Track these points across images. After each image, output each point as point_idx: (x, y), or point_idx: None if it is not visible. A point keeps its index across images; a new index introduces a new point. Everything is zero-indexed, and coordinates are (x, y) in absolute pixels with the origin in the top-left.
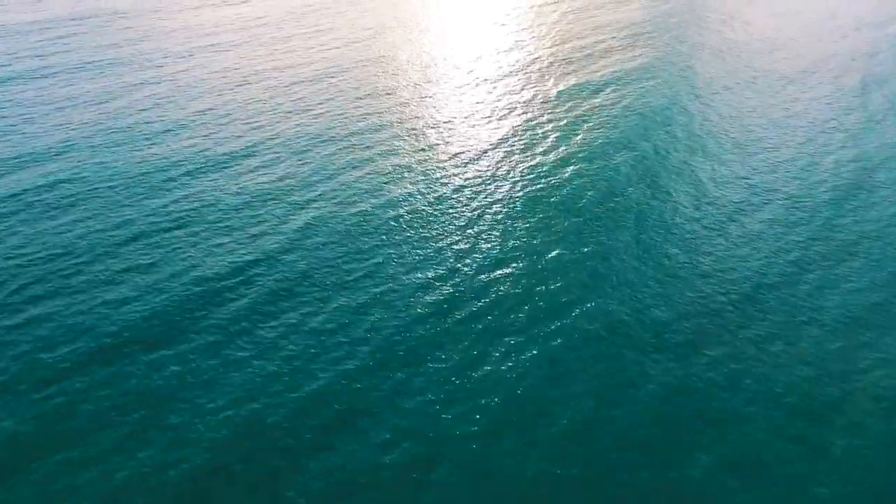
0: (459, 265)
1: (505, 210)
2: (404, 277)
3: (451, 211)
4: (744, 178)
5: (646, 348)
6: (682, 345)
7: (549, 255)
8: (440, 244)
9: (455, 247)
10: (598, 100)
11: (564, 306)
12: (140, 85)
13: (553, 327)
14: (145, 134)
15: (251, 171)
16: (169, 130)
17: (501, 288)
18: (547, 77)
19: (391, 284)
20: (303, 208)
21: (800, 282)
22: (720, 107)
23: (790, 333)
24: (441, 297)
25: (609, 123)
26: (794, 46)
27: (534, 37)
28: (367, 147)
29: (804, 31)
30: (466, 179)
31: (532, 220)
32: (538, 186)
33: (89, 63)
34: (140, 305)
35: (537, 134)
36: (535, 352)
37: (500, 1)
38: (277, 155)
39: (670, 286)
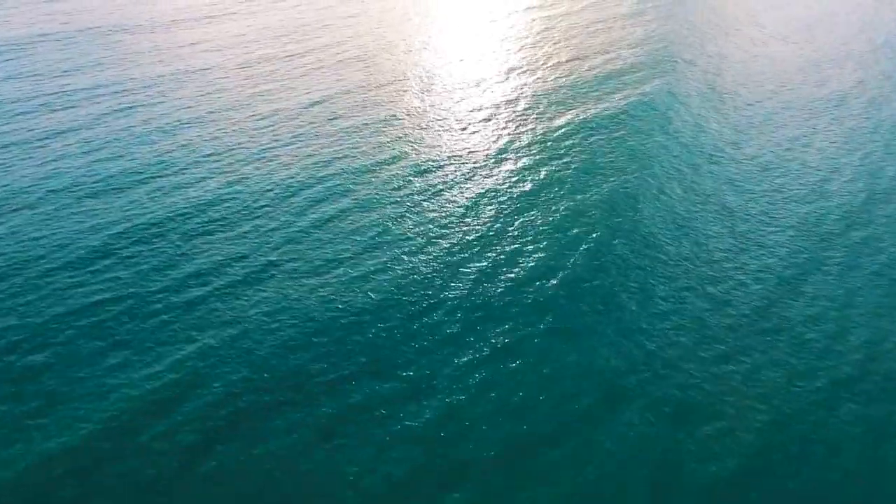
0: (454, 352)
1: (511, 276)
2: (387, 380)
3: (444, 280)
4: (788, 229)
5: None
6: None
7: (569, 334)
8: (430, 325)
9: (449, 329)
10: (617, 130)
11: (595, 404)
12: (97, 119)
13: (578, 432)
14: (92, 185)
15: (211, 226)
16: (122, 178)
17: (509, 385)
18: (556, 107)
19: (375, 386)
20: (265, 283)
21: (869, 377)
22: (754, 136)
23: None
24: (436, 401)
25: (628, 156)
26: (826, 65)
27: (539, 57)
28: (345, 192)
29: (835, 48)
30: (461, 239)
31: (546, 281)
32: (548, 241)
33: (41, 91)
34: (68, 430)
35: (547, 176)
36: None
37: (502, 14)
38: (242, 206)
39: (715, 379)
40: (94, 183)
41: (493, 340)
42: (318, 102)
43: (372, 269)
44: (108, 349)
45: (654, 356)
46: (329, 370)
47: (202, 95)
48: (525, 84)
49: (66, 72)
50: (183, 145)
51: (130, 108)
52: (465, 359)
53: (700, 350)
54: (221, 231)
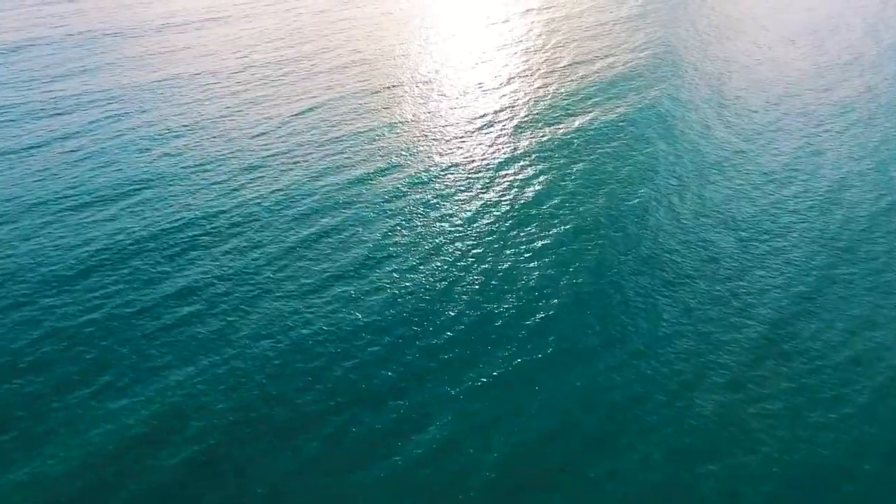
0: (447, 379)
1: (507, 297)
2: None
3: (438, 300)
4: (798, 244)
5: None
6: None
7: (567, 359)
8: (422, 349)
9: (443, 355)
10: (618, 138)
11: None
12: (84, 128)
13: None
14: (76, 197)
15: (196, 242)
16: (106, 191)
17: (503, 417)
18: (556, 114)
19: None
20: (250, 303)
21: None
22: (760, 144)
23: None
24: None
25: (630, 165)
26: (833, 69)
27: (538, 62)
28: (336, 205)
29: (842, 51)
30: (456, 256)
31: (544, 302)
32: (546, 259)
33: (27, 99)
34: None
35: (546, 187)
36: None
37: (501, 18)
38: (228, 221)
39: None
40: (77, 195)
41: (488, 367)
42: (310, 109)
43: (362, 288)
44: (84, 377)
45: (657, 384)
46: (314, 400)
47: (192, 103)
48: (523, 90)
49: (53, 78)
50: (171, 155)
51: (118, 116)
52: (459, 387)
53: (706, 376)
54: (206, 248)
